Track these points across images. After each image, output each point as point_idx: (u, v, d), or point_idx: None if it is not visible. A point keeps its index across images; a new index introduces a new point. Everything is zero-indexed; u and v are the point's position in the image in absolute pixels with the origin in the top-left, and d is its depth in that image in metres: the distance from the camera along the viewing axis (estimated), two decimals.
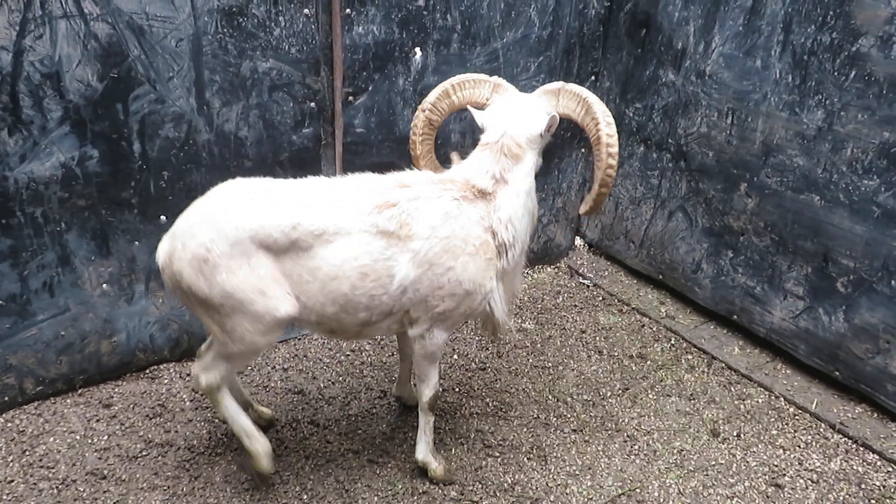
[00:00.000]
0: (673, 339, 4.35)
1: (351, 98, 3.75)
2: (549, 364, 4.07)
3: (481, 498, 3.12)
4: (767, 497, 3.21)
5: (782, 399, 3.82)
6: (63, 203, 3.22)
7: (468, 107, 2.94)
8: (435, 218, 2.66)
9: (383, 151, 3.97)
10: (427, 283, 2.68)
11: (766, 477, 3.32)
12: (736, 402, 3.81)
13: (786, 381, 3.94)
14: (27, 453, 3.20)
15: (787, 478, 3.31)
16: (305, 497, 3.06)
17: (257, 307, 2.58)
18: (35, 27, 2.87)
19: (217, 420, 3.46)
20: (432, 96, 2.95)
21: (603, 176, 2.71)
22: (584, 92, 2.75)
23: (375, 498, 3.08)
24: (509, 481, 3.22)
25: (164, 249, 2.67)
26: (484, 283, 2.78)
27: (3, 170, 3.02)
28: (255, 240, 2.54)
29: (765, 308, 4.07)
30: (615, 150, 2.69)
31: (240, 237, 2.53)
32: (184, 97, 3.31)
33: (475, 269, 2.72)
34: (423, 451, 3.14)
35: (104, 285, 3.48)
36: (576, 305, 4.69)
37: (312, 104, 3.67)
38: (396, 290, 2.67)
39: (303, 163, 3.74)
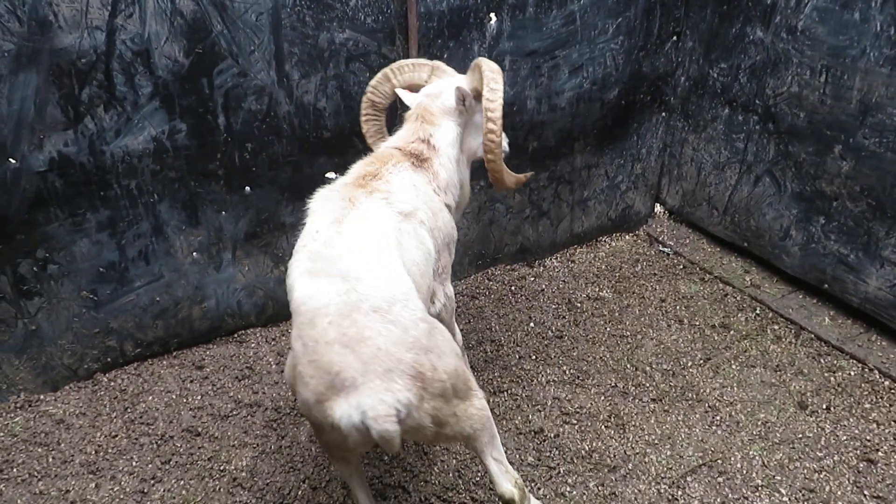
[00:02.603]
0: (758, 308, 4.21)
1: None
2: (628, 333, 4.01)
3: (558, 464, 3.14)
4: (858, 472, 3.09)
5: (877, 372, 3.64)
6: (155, 175, 3.37)
7: (396, 90, 3.01)
8: (410, 188, 2.67)
9: None
10: (436, 248, 2.72)
11: (858, 452, 3.19)
12: (826, 375, 3.66)
13: (881, 354, 3.75)
14: (129, 410, 3.42)
15: (880, 453, 3.17)
16: (386, 458, 3.16)
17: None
18: (125, 6, 3.00)
19: None
20: (374, 80, 3.06)
21: (485, 142, 2.70)
22: (481, 60, 2.75)
23: (454, 461, 3.15)
24: (587, 448, 3.22)
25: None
26: (453, 232, 2.90)
27: (100, 144, 3.19)
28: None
29: (859, 277, 3.87)
30: (494, 114, 2.62)
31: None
32: (265, 70, 3.39)
33: (448, 222, 2.84)
34: None
35: (194, 254, 3.64)
36: (655, 274, 4.59)
37: None
38: (433, 262, 2.69)
39: None
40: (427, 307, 2.56)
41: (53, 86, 2.99)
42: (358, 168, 2.75)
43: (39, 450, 3.18)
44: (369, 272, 2.19)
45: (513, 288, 4.41)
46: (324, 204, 2.51)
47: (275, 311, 4.02)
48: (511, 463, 3.12)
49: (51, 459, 3.14)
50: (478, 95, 2.78)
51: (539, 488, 3.02)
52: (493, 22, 3.82)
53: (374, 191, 2.56)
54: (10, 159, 3.03)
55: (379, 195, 2.55)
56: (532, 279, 4.54)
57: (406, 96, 3.00)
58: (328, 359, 2.02)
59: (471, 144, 2.99)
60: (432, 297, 2.82)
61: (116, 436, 3.28)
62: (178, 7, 3.09)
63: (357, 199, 2.50)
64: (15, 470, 3.08)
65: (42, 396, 3.48)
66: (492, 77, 2.67)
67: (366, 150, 3.75)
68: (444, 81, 2.99)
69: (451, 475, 3.08)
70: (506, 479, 2.44)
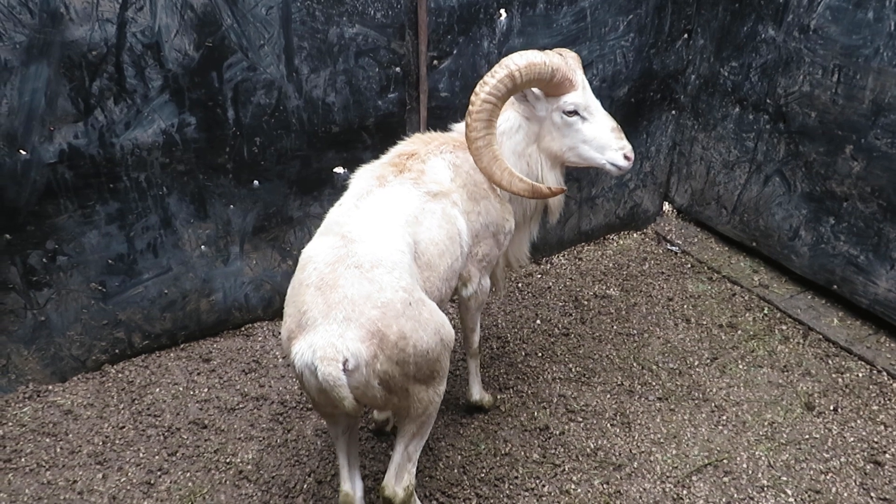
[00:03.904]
0: (766, 308, 4.19)
1: (436, 62, 3.75)
2: (634, 331, 4.00)
3: (563, 461, 3.13)
4: (865, 474, 3.07)
5: (885, 373, 3.62)
6: (164, 168, 3.38)
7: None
8: (446, 170, 2.73)
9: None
10: (470, 231, 2.74)
11: (865, 453, 3.17)
12: (833, 376, 3.65)
13: (889, 355, 3.72)
14: (136, 402, 3.44)
15: (887, 455, 3.16)
16: (391, 452, 3.16)
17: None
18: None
19: None
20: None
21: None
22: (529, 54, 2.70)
23: (459, 457, 3.15)
24: (592, 446, 3.22)
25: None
26: (503, 223, 2.88)
27: (110, 137, 3.20)
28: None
29: (869, 278, 3.85)
30: (471, 106, 2.55)
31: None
32: (274, 64, 3.39)
33: (495, 210, 2.83)
34: (478, 391, 3.36)
35: (202, 247, 3.65)
36: (663, 272, 4.57)
37: (398, 69, 3.68)
38: (464, 244, 2.71)
39: (388, 128, 3.78)
40: (445, 288, 2.60)
41: (64, 78, 3.01)
42: (399, 147, 2.83)
43: (47, 440, 3.21)
44: (366, 236, 2.30)
45: (519, 285, 4.41)
46: (357, 181, 2.65)
47: (282, 304, 4.01)
48: (516, 460, 3.13)
49: (58, 450, 3.16)
50: (550, 92, 2.74)
51: (543, 485, 3.02)
52: (503, 18, 3.81)
53: (405, 170, 2.65)
54: (21, 151, 3.04)
55: (409, 175, 2.64)
56: (539, 276, 4.53)
57: None
58: (302, 298, 2.14)
59: (549, 144, 2.86)
60: (465, 280, 2.88)
61: (124, 427, 3.29)
62: (188, 1, 3.10)
63: (386, 178, 2.62)
64: (23, 460, 3.10)
65: (50, 387, 3.51)
66: (496, 69, 2.60)
67: (374, 145, 3.76)
68: None
69: (455, 471, 3.08)
70: (399, 479, 2.42)
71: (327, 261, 2.19)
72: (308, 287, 2.15)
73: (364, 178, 2.65)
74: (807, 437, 3.27)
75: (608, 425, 3.35)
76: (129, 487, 2.99)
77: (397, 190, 2.57)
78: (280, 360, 3.73)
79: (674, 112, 4.78)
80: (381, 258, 2.22)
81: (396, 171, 2.65)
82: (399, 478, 2.42)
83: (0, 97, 2.93)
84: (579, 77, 2.77)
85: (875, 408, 3.43)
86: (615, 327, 4.04)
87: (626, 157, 2.83)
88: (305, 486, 3.01)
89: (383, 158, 2.80)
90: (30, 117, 3.01)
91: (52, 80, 2.99)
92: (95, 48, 3.01)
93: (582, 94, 2.77)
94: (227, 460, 3.13)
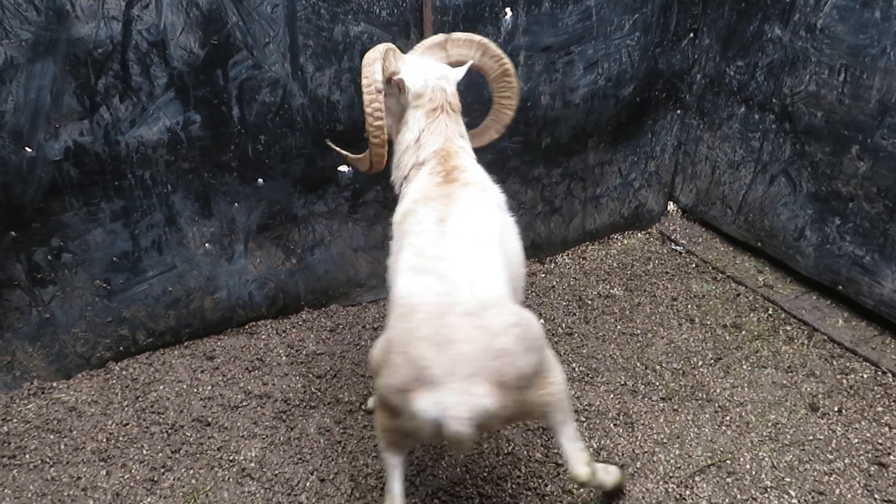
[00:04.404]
0: (771, 309, 4.18)
1: None
2: (638, 331, 3.99)
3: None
4: (870, 475, 3.06)
5: (890, 375, 3.61)
6: (169, 166, 3.39)
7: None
8: (488, 178, 2.79)
9: (473, 114, 3.93)
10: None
11: (869, 455, 3.16)
12: (838, 377, 3.63)
13: (895, 357, 3.71)
14: (140, 399, 3.45)
15: (892, 457, 3.14)
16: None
17: None
18: None
19: (311, 375, 3.61)
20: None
21: (515, 101, 2.96)
22: (473, 36, 2.87)
23: (461, 456, 3.15)
24: (595, 446, 3.22)
25: None
26: None
27: (115, 134, 3.21)
28: None
29: (874, 279, 3.84)
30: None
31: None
32: (279, 62, 3.39)
33: None
34: None
35: (207, 244, 3.66)
36: (667, 272, 4.56)
37: None
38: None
39: None
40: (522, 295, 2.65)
41: (70, 75, 3.01)
42: (437, 164, 2.70)
43: (51, 436, 3.22)
44: (467, 276, 2.23)
45: (523, 284, 4.40)
46: (424, 204, 2.52)
47: (285, 303, 4.03)
48: (519, 459, 3.13)
49: (63, 446, 3.17)
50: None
51: (546, 485, 3.01)
52: (508, 16, 3.81)
53: (467, 182, 2.59)
54: (27, 148, 3.05)
55: (476, 186, 2.60)
56: (543, 276, 4.52)
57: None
58: (418, 353, 2.08)
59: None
60: None
61: (127, 424, 3.30)
62: None
63: (453, 194, 2.51)
64: (27, 456, 3.11)
65: (55, 384, 3.52)
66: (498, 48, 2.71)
67: None
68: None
69: (458, 469, 3.08)
70: (579, 461, 2.48)
71: (436, 311, 2.14)
72: (422, 341, 2.10)
73: (432, 199, 2.52)
74: (811, 438, 3.27)
75: (611, 425, 3.34)
76: (132, 484, 3.00)
77: (473, 205, 2.49)
78: (283, 357, 3.74)
79: (679, 111, 4.77)
80: (487, 299, 2.18)
81: (461, 185, 2.56)
82: (579, 459, 2.48)
83: (6, 94, 2.93)
84: None
85: (880, 409, 3.42)
86: (619, 327, 4.04)
87: None
88: (308, 483, 3.02)
89: (426, 168, 2.70)
90: (35, 114, 3.01)
91: (58, 77, 2.99)
92: (101, 46, 3.02)
93: None
94: (231, 458, 3.14)
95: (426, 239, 2.36)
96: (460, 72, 2.88)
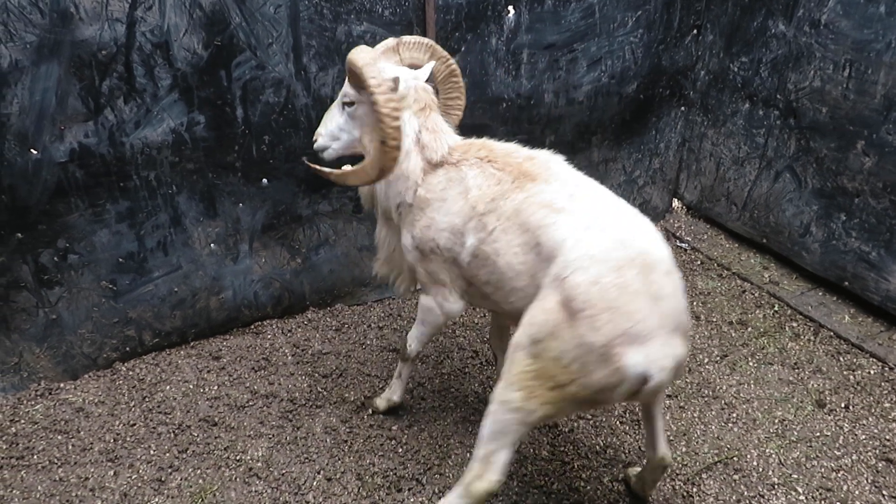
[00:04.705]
0: (776, 305, 4.17)
1: None
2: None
3: (573, 459, 3.13)
4: (877, 472, 3.05)
5: None
6: (174, 167, 3.40)
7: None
8: None
9: (476, 113, 3.95)
10: None
11: (877, 451, 3.15)
12: (845, 373, 3.62)
13: None
14: (147, 400, 3.46)
15: None
16: (400, 450, 3.17)
17: None
18: None
19: (317, 374, 3.62)
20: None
21: (462, 101, 2.98)
22: (422, 38, 2.83)
23: (468, 454, 3.15)
24: (601, 444, 3.21)
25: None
26: None
27: (120, 136, 3.21)
28: None
29: (880, 274, 3.82)
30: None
31: None
32: (282, 63, 3.40)
33: None
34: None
35: (212, 245, 3.67)
36: None
37: None
38: None
39: None
40: None
41: (74, 77, 3.02)
42: (486, 155, 2.69)
43: (59, 437, 3.23)
44: (643, 237, 2.33)
45: None
46: (538, 183, 2.52)
47: (291, 302, 4.04)
48: (525, 458, 3.13)
49: (70, 447, 3.18)
50: None
51: (553, 483, 3.01)
52: (511, 14, 3.81)
53: (542, 177, 2.55)
54: (32, 150, 3.06)
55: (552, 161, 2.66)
56: None
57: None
58: (633, 307, 2.14)
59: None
60: None
61: (135, 424, 3.31)
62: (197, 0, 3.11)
63: (550, 169, 2.58)
64: (35, 457, 3.12)
65: (62, 384, 3.53)
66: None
67: None
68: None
69: (464, 468, 3.08)
70: (667, 442, 2.67)
71: (646, 268, 2.20)
72: (636, 295, 2.14)
73: (526, 174, 2.56)
74: (818, 434, 3.26)
75: (617, 423, 3.34)
76: (140, 484, 3.01)
77: (582, 177, 2.61)
78: (289, 357, 3.74)
79: (683, 108, 4.76)
80: (671, 262, 2.30)
81: (543, 180, 2.54)
82: (665, 440, 2.70)
83: (11, 97, 2.94)
84: None
85: (887, 405, 3.40)
86: None
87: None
88: (315, 483, 3.02)
89: (469, 164, 2.68)
90: (41, 117, 3.02)
91: (63, 79, 3.00)
92: (105, 47, 3.03)
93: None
94: (237, 457, 3.14)
95: (581, 205, 2.40)
96: (424, 73, 2.82)
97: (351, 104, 2.75)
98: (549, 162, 2.63)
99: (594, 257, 2.22)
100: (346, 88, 2.74)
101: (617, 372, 2.13)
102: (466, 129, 3.02)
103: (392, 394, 3.31)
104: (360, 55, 2.52)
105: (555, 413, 2.32)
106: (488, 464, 2.40)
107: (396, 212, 2.87)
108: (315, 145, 2.88)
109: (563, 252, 2.29)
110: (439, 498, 2.93)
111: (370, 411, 3.38)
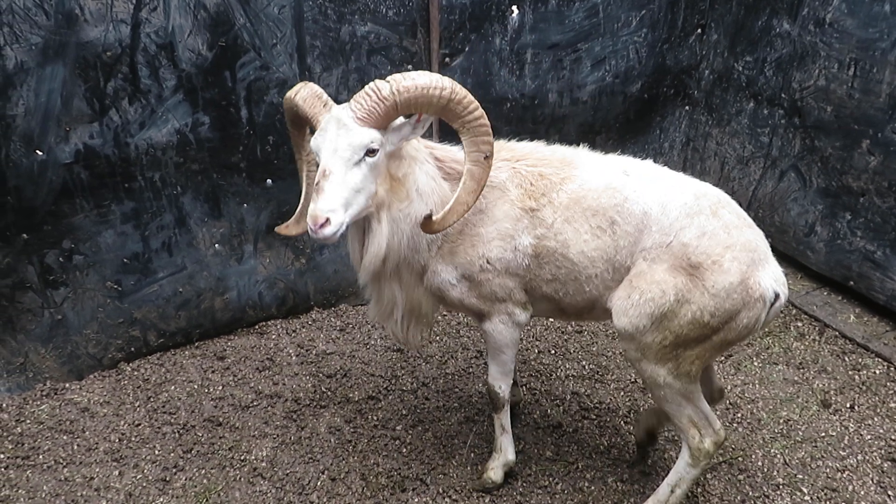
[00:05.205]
0: None
1: (447, 59, 3.75)
2: None
3: (577, 459, 3.13)
4: (883, 472, 3.04)
5: None
6: (179, 167, 3.41)
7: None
8: None
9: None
10: None
11: (882, 451, 3.14)
12: (850, 373, 3.61)
13: None
14: (151, 400, 3.47)
15: None
16: (405, 450, 3.17)
17: None
18: (150, 0, 3.02)
19: (321, 374, 3.62)
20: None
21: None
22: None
23: (472, 454, 3.15)
24: (605, 444, 3.21)
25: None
26: None
27: (125, 137, 3.22)
28: None
29: (886, 274, 3.81)
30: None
31: None
32: (287, 63, 3.40)
33: None
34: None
35: (216, 245, 3.68)
36: None
37: (410, 67, 3.68)
38: None
39: None
40: None
41: (79, 79, 3.03)
42: (513, 166, 2.58)
43: (64, 437, 3.24)
44: (707, 185, 2.56)
45: None
46: (594, 173, 2.55)
47: (295, 302, 4.05)
48: (529, 458, 3.13)
49: (76, 447, 3.19)
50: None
51: (557, 483, 3.01)
52: (514, 14, 3.80)
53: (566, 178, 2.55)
54: (38, 151, 3.07)
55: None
56: None
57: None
58: (746, 237, 2.34)
59: None
60: None
61: (139, 424, 3.32)
62: (201, 0, 3.11)
63: (579, 158, 2.61)
64: (41, 457, 3.14)
65: (67, 385, 3.54)
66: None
67: None
68: None
69: (468, 468, 3.09)
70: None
71: (725, 206, 2.43)
72: (740, 228, 2.36)
73: (575, 165, 2.59)
74: (823, 434, 3.25)
75: (622, 423, 3.34)
76: (144, 484, 3.02)
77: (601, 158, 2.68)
78: (293, 357, 3.75)
79: (687, 107, 4.75)
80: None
81: (564, 161, 2.59)
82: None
83: (17, 98, 2.96)
84: (321, 117, 2.30)
85: (893, 405, 3.39)
86: None
87: (311, 223, 2.17)
88: (319, 483, 3.03)
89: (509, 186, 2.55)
90: (46, 118, 3.04)
91: (68, 80, 3.01)
92: (110, 49, 3.03)
93: (314, 139, 2.29)
94: (242, 457, 3.15)
95: (639, 178, 2.50)
96: None
97: (373, 152, 2.24)
98: (576, 150, 2.64)
99: (689, 214, 2.36)
100: (365, 135, 2.21)
101: (759, 301, 2.29)
102: None
103: (505, 455, 2.96)
104: (425, 77, 2.21)
105: (709, 360, 2.49)
106: (700, 422, 2.52)
107: (427, 252, 2.56)
108: (327, 231, 2.16)
109: (653, 221, 2.38)
110: (444, 498, 2.94)
111: (486, 490, 2.98)
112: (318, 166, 2.25)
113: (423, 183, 2.45)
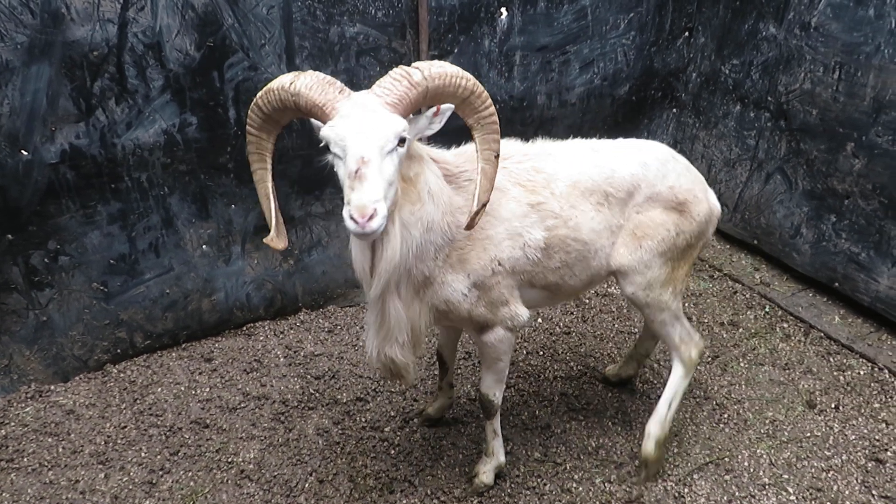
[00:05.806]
0: (767, 306, 4.19)
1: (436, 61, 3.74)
2: (635, 329, 4.00)
3: (565, 460, 3.14)
4: (867, 472, 3.07)
5: (886, 371, 3.62)
6: (166, 168, 3.39)
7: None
8: None
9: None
10: None
11: (866, 451, 3.17)
12: (835, 374, 3.64)
13: (891, 353, 3.72)
14: (138, 402, 3.44)
15: (889, 453, 3.16)
16: (393, 452, 3.17)
17: None
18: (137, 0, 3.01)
19: (309, 376, 3.61)
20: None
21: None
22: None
23: (460, 456, 3.15)
24: (593, 445, 3.22)
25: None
26: None
27: (111, 137, 3.20)
28: None
29: (870, 275, 3.85)
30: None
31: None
32: (275, 64, 3.39)
33: None
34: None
35: (204, 246, 3.66)
36: None
37: None
38: None
39: None
40: None
41: (65, 78, 3.01)
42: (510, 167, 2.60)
43: (49, 440, 3.21)
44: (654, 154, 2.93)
45: None
46: (583, 153, 2.77)
47: (283, 304, 4.03)
48: (517, 459, 3.13)
49: (61, 449, 3.17)
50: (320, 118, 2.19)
51: (545, 484, 3.02)
52: (503, 17, 3.81)
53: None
54: (23, 151, 3.05)
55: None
56: None
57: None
58: (695, 171, 2.90)
59: None
60: None
61: (126, 427, 3.30)
62: (189, 0, 3.10)
63: (552, 150, 2.74)
64: (25, 459, 3.11)
65: (52, 387, 3.51)
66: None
67: None
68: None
69: (456, 469, 3.09)
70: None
71: (678, 157, 2.89)
72: (689, 165, 2.89)
73: (563, 154, 2.77)
74: (808, 434, 3.27)
75: (609, 424, 3.35)
76: (130, 487, 3.00)
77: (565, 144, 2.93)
78: (281, 359, 3.74)
79: (675, 110, 4.78)
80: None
81: (537, 153, 2.70)
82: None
83: (2, 97, 2.93)
84: (338, 104, 2.11)
85: (877, 405, 3.43)
86: (616, 325, 4.04)
87: (353, 218, 1.94)
88: (307, 485, 3.02)
89: (510, 186, 2.56)
90: (31, 117, 3.01)
91: (54, 80, 2.99)
92: (97, 48, 3.01)
93: (331, 127, 2.08)
94: (229, 460, 3.14)
95: (608, 151, 2.78)
96: None
97: (403, 141, 2.10)
98: (543, 141, 2.78)
99: (665, 165, 2.77)
100: (398, 122, 2.07)
101: (716, 217, 2.91)
102: (458, 132, 3.01)
103: (496, 457, 2.97)
104: (452, 67, 2.16)
105: (689, 274, 3.03)
106: (686, 338, 3.02)
107: (434, 261, 2.41)
108: (374, 224, 1.94)
109: (640, 180, 2.71)
110: (432, 500, 2.94)
111: (478, 493, 2.98)
112: (329, 161, 2.17)
113: (433, 184, 2.32)
